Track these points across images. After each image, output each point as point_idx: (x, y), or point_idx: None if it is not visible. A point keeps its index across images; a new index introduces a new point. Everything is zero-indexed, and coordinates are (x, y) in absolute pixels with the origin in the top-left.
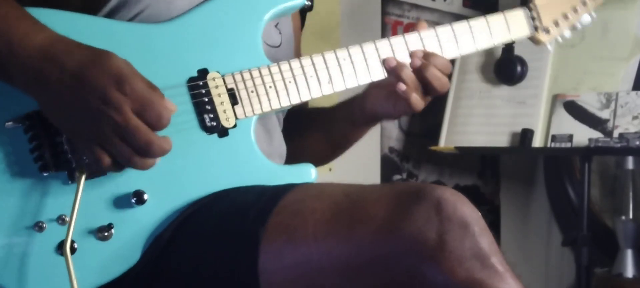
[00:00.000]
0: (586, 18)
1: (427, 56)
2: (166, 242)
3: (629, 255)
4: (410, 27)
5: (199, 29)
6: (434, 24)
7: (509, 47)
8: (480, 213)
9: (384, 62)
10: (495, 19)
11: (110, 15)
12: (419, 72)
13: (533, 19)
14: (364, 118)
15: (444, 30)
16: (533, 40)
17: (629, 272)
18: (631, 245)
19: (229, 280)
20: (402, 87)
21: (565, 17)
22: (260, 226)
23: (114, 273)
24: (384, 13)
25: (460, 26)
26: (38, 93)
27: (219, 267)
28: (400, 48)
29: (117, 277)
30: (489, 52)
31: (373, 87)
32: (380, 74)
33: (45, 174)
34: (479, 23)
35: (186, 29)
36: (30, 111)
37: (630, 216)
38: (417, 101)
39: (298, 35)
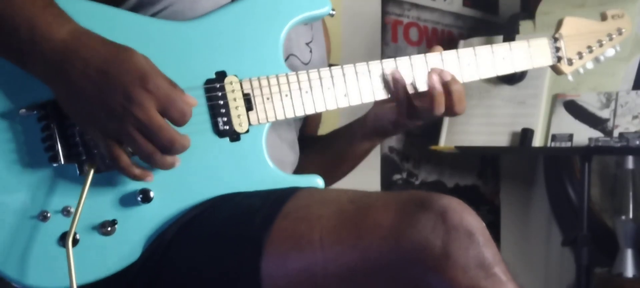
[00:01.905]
0: (610, 52)
1: (446, 84)
2: (169, 242)
3: (629, 255)
4: (410, 27)
5: (221, 30)
6: (433, 22)
7: None
8: (484, 224)
9: (384, 75)
10: (519, 46)
11: (135, 9)
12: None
13: (557, 49)
14: (363, 132)
15: (466, 53)
16: (555, 69)
17: (629, 271)
18: (631, 245)
19: (231, 284)
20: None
21: (590, 49)
22: (264, 231)
23: (113, 268)
24: (384, 13)
25: (483, 50)
26: (57, 84)
27: (221, 270)
28: (420, 66)
29: (116, 272)
30: None
31: (376, 103)
32: None
33: (54, 165)
34: (502, 49)
35: (208, 29)
36: (45, 100)
37: (630, 216)
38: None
39: (328, 47)
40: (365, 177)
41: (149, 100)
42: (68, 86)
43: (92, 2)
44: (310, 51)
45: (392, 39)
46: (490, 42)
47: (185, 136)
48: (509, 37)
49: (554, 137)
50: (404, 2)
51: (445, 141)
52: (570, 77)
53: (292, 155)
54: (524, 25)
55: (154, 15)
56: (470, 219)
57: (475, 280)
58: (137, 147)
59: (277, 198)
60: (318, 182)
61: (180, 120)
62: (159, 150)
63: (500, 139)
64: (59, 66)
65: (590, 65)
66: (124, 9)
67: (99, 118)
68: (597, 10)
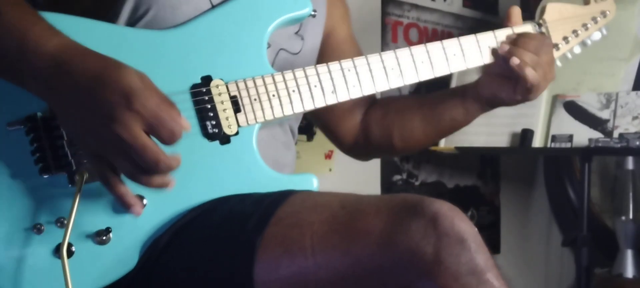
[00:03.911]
0: (596, 35)
1: (514, 41)
2: (163, 248)
3: (629, 255)
4: (410, 28)
5: (204, 36)
6: (433, 23)
7: None
8: (476, 229)
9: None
10: (503, 33)
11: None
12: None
13: (542, 34)
14: (481, 104)
15: (451, 43)
16: None
17: (629, 272)
18: (631, 245)
19: None
20: (515, 61)
21: (576, 33)
22: (256, 236)
23: (111, 277)
24: (384, 13)
25: (467, 40)
26: (50, 99)
27: (214, 275)
28: (406, 59)
29: (114, 281)
30: None
31: (486, 74)
32: (384, 85)
33: (45, 176)
34: (486, 37)
35: (191, 35)
36: (32, 113)
37: (630, 216)
38: (533, 75)
39: (342, 22)
40: (365, 177)
41: (133, 120)
42: (59, 101)
43: (76, 17)
44: (302, 39)
45: (392, 39)
46: None
47: (174, 157)
48: None
49: (554, 138)
50: (404, 2)
51: (445, 142)
52: (558, 63)
53: (288, 156)
54: None
55: (133, 25)
56: (462, 224)
57: (467, 286)
58: (122, 168)
59: (270, 203)
60: (313, 181)
61: (168, 139)
62: (144, 170)
63: (500, 139)
64: (48, 80)
65: (577, 49)
66: (102, 21)
67: (87, 136)
68: None
